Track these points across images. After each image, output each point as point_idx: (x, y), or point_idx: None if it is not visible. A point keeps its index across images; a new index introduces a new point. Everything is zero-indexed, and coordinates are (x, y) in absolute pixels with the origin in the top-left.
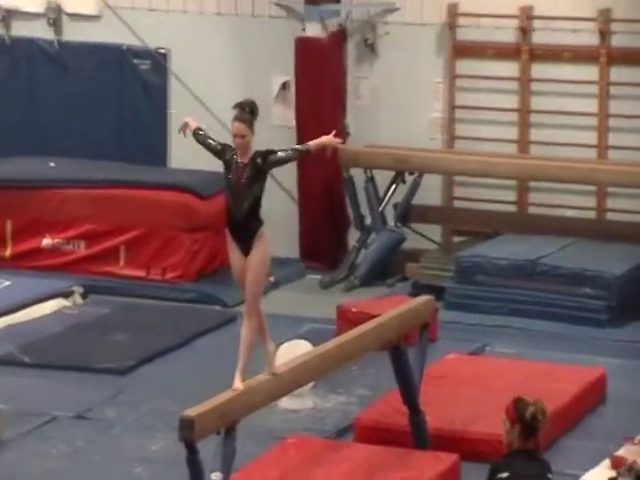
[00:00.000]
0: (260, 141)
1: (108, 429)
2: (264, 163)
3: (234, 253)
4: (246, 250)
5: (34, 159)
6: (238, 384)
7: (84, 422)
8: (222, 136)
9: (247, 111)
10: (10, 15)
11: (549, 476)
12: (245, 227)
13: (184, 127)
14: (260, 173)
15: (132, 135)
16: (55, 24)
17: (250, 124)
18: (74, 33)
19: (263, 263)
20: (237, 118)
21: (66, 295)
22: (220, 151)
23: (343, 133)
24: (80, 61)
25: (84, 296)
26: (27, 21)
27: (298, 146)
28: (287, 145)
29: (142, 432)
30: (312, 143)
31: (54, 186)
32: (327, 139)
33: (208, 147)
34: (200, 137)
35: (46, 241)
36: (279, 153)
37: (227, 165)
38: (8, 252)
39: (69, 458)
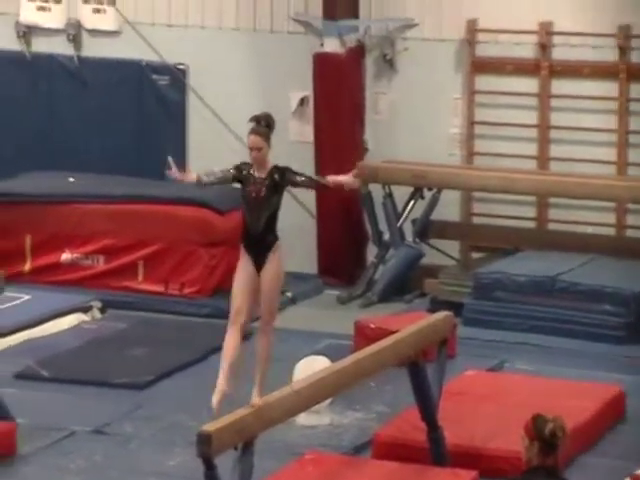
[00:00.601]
0: (278, 156)
1: (126, 444)
2: (282, 179)
3: (245, 269)
4: (259, 265)
5: (53, 174)
6: (256, 400)
7: (102, 437)
8: (240, 151)
9: (263, 124)
10: (30, 31)
11: None
12: (261, 241)
13: (181, 181)
14: (278, 188)
15: (151, 150)
16: (75, 40)
17: (266, 137)
18: (94, 49)
19: (278, 278)
20: (253, 131)
21: (85, 310)
22: (236, 175)
23: (361, 148)
24: (100, 77)
25: (102, 311)
26: (47, 37)
27: (317, 177)
28: (305, 161)
29: (160, 447)
30: (331, 179)
31: (73, 201)
32: (347, 180)
33: (224, 182)
34: (210, 181)
35: (65, 256)
36: (297, 177)
37: (244, 181)
38: (27, 267)
39: (87, 473)
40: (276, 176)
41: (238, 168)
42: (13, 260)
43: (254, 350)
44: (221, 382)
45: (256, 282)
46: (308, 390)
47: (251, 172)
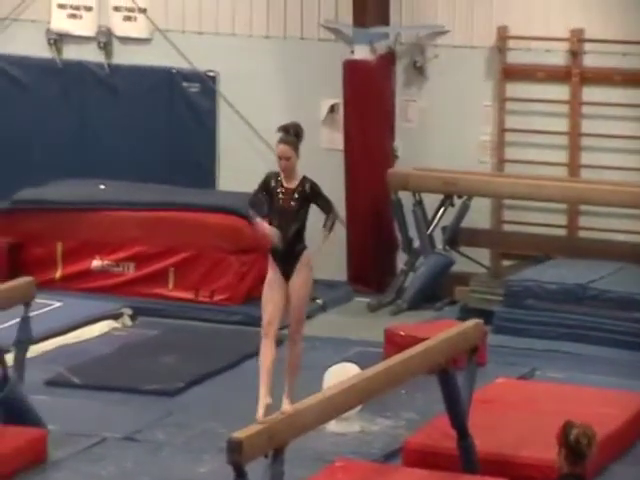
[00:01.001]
0: (308, 164)
1: (157, 451)
2: (311, 192)
3: (273, 279)
4: (287, 275)
5: (84, 182)
6: (287, 407)
7: (133, 444)
8: (270, 159)
9: (292, 133)
10: (61, 39)
11: None
12: (290, 251)
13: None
14: (307, 199)
15: (181, 158)
16: (106, 47)
17: (295, 147)
18: (124, 56)
19: (306, 287)
20: (282, 140)
21: (115, 317)
22: (266, 187)
23: (391, 156)
24: (130, 84)
25: (133, 318)
26: (78, 45)
27: (332, 211)
28: (335, 169)
29: (191, 454)
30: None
31: (104, 208)
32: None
33: (263, 200)
34: (259, 214)
35: (96, 263)
36: (320, 199)
37: (273, 191)
38: (58, 274)
39: (118, 479)
40: (307, 187)
41: (265, 182)
42: (44, 267)
43: (284, 357)
44: (264, 394)
45: (285, 291)
46: (338, 397)
47: (279, 181)
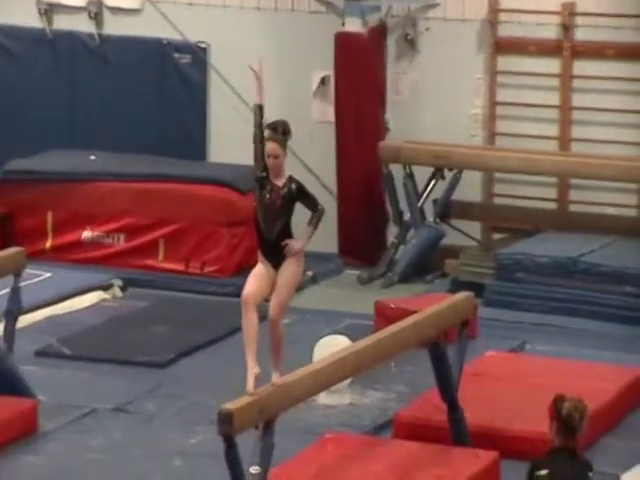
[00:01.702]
0: (300, 136)
1: (147, 422)
2: (297, 193)
3: (262, 266)
4: (277, 265)
5: (75, 152)
6: (277, 379)
7: (123, 415)
8: None
9: (280, 131)
10: (52, 8)
11: (590, 475)
12: (277, 245)
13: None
14: (293, 199)
15: (172, 129)
16: (96, 18)
17: (283, 145)
18: (115, 27)
19: (294, 276)
20: (271, 139)
21: (105, 288)
22: (263, 164)
23: (383, 128)
24: (121, 55)
25: (123, 289)
26: (68, 15)
27: (317, 209)
28: (327, 141)
29: (181, 425)
30: (305, 235)
31: (95, 179)
32: (297, 245)
33: (259, 148)
34: (260, 120)
35: (86, 234)
36: (307, 200)
37: (261, 185)
38: (48, 244)
39: (108, 451)
40: (293, 187)
41: (265, 165)
42: (35, 238)
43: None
44: (252, 365)
45: (273, 277)
46: (329, 369)
47: (267, 177)
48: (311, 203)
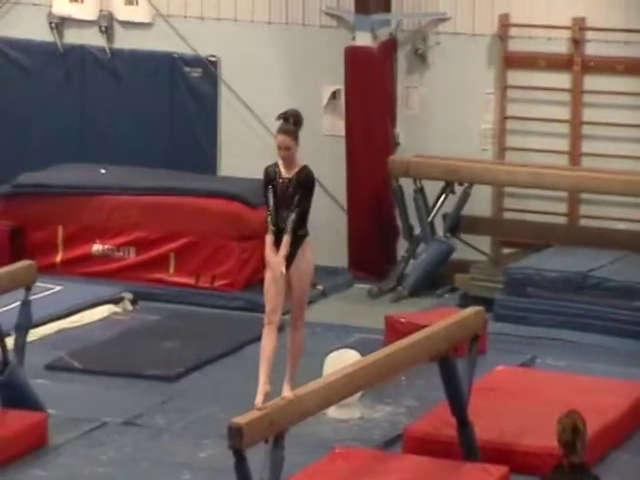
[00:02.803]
0: (310, 150)
1: (157, 436)
2: (303, 181)
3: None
4: (289, 261)
5: (85, 166)
6: (287, 393)
7: (133, 428)
8: (271, 144)
9: (291, 122)
10: (63, 22)
11: None
12: (292, 238)
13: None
14: (299, 186)
15: (183, 143)
16: (107, 32)
17: (295, 136)
18: (126, 41)
19: (307, 274)
20: (282, 130)
21: (116, 301)
22: (268, 181)
23: (393, 143)
24: (131, 68)
25: (134, 303)
26: (79, 29)
27: (297, 214)
28: (337, 155)
29: (191, 439)
30: (283, 249)
31: (105, 193)
32: (276, 260)
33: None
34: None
35: (96, 247)
36: (302, 194)
37: (272, 181)
38: (59, 258)
39: (118, 464)
40: (302, 176)
41: (267, 176)
42: (45, 251)
43: (285, 343)
44: (263, 382)
45: (286, 278)
46: (339, 383)
47: (277, 171)
48: (300, 202)
